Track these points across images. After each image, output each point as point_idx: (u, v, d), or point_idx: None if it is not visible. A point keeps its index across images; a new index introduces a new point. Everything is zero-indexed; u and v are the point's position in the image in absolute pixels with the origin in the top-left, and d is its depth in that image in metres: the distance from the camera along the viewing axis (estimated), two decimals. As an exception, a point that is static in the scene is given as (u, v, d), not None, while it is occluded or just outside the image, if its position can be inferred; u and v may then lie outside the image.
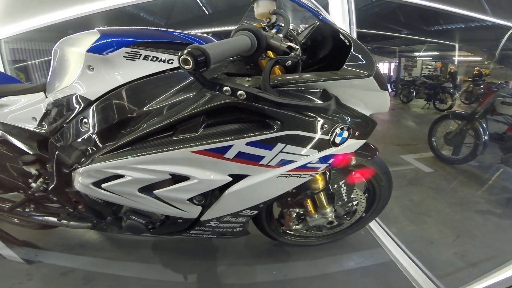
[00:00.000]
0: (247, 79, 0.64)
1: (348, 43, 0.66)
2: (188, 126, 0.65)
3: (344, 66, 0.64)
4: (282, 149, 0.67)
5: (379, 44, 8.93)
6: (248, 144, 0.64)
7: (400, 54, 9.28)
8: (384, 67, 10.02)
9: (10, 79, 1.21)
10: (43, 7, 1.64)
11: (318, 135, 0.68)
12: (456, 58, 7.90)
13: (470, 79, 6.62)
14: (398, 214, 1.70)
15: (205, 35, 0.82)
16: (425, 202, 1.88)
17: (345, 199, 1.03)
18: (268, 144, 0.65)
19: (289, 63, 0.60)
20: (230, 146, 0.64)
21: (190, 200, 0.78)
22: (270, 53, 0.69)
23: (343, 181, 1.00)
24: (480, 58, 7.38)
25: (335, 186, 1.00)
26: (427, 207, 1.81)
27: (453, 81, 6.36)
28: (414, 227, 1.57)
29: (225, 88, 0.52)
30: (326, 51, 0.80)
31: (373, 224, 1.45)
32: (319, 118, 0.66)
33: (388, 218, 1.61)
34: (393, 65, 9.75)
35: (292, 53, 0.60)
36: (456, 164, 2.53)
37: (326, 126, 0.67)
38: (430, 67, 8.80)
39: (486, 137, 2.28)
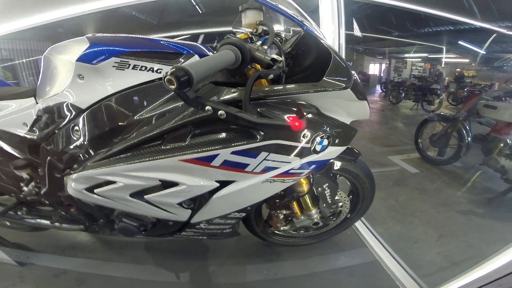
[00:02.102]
0: (232, 90, 0.66)
1: (329, 55, 0.68)
2: (176, 136, 0.66)
3: (324, 78, 0.66)
4: (266, 157, 0.69)
5: (369, 46, 9.02)
6: (233, 153, 0.66)
7: (391, 55, 9.41)
8: (375, 68, 10.15)
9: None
10: (31, 8, 1.59)
11: (299, 143, 0.70)
12: (444, 60, 8.05)
13: (453, 80, 6.76)
14: (385, 214, 1.74)
15: (194, 43, 0.82)
16: (411, 203, 1.92)
17: (329, 201, 1.05)
18: (252, 153, 0.67)
19: (271, 76, 0.62)
20: (217, 155, 0.65)
21: (180, 204, 0.80)
22: (257, 65, 0.70)
23: (327, 184, 1.02)
24: (467, 60, 7.53)
25: (319, 189, 1.02)
26: (413, 207, 1.85)
27: (440, 82, 6.48)
28: (399, 227, 1.60)
29: (207, 107, 0.53)
30: (311, 60, 0.81)
31: (359, 224, 1.48)
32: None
33: (375, 218, 1.65)
34: (383, 66, 9.88)
35: (275, 66, 0.62)
36: (441, 165, 2.59)
37: (307, 135, 0.69)
38: (419, 68, 8.96)
39: (469, 139, 2.34)
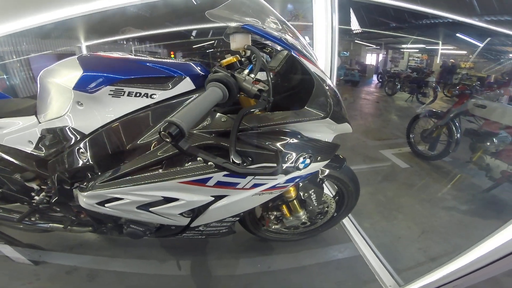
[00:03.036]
0: (223, 118, 0.72)
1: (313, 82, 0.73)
2: (174, 161, 0.74)
3: (306, 107, 0.71)
4: (254, 177, 0.76)
5: (366, 37, 8.88)
6: (225, 175, 0.73)
7: (388, 46, 9.28)
8: (372, 58, 10.03)
9: None
10: (20, 12, 1.54)
11: (284, 164, 0.76)
12: (440, 51, 7.95)
13: (444, 72, 6.69)
14: (372, 210, 1.83)
15: (187, 62, 0.83)
16: (398, 198, 2.01)
17: (316, 204, 1.14)
18: (245, 175, 0.74)
19: (257, 112, 0.66)
20: (211, 177, 0.73)
21: (181, 214, 0.88)
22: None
23: (313, 189, 1.11)
24: (465, 52, 7.45)
25: (306, 194, 1.11)
26: (400, 203, 1.94)
27: (432, 73, 6.44)
28: (385, 223, 1.70)
29: (198, 158, 0.58)
30: (297, 80, 0.86)
31: (346, 221, 1.57)
32: (283, 152, 0.74)
33: (362, 213, 1.73)
34: (381, 56, 9.76)
35: (260, 99, 0.65)
36: (430, 160, 2.67)
37: (290, 157, 0.76)
38: (416, 59, 8.86)
39: (458, 135, 2.41)
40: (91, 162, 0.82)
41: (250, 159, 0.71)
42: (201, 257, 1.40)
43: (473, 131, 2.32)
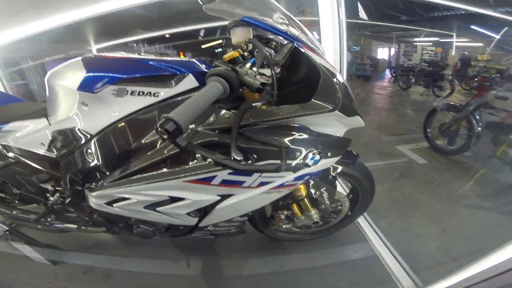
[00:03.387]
0: (226, 114, 0.70)
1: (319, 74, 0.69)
2: (179, 160, 0.73)
3: (312, 99, 0.67)
4: (261, 175, 0.73)
5: (376, 30, 8.61)
6: (230, 173, 0.71)
7: (400, 39, 8.95)
8: (384, 52, 9.71)
9: (10, 99, 1.26)
10: (29, 16, 1.57)
11: (292, 161, 0.73)
12: (455, 44, 7.57)
13: (461, 64, 6.35)
14: (389, 207, 1.76)
15: (190, 60, 0.81)
16: (416, 196, 1.92)
17: (328, 203, 1.09)
18: (247, 173, 0.72)
19: (259, 105, 0.63)
20: (215, 176, 0.71)
21: (188, 213, 0.87)
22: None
23: (325, 187, 1.06)
24: (481, 44, 7.04)
25: (317, 192, 1.06)
26: (418, 200, 1.85)
27: (447, 66, 6.16)
28: (402, 221, 1.62)
29: (197, 155, 0.56)
30: (303, 73, 0.82)
31: (361, 219, 1.51)
32: (291, 148, 0.71)
33: (378, 211, 1.66)
34: (393, 50, 9.44)
35: (263, 93, 0.62)
36: (450, 155, 2.54)
37: (298, 154, 0.72)
38: (430, 52, 8.49)
39: (479, 128, 2.27)
40: (99, 162, 0.82)
41: (255, 155, 0.68)
42: (212, 256, 1.39)
43: (496, 124, 2.19)
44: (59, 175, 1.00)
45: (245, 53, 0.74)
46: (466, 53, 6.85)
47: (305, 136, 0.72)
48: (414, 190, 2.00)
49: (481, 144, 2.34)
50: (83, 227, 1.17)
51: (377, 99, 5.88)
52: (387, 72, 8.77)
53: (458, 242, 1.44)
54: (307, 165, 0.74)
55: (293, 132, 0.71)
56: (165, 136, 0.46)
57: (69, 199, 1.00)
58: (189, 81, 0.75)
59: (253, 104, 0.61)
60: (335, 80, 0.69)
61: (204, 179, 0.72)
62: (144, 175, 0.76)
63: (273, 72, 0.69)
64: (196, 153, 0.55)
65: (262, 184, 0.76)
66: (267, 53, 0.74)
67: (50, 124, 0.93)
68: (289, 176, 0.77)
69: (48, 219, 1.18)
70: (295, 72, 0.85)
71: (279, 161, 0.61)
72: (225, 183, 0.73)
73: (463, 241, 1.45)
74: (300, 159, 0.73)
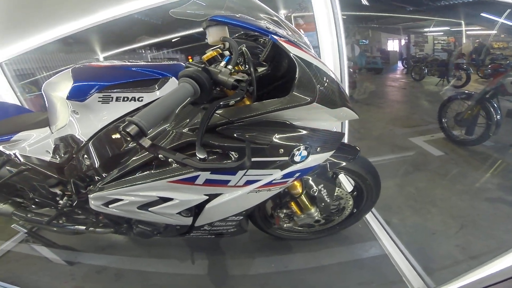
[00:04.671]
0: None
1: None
2: (162, 161, 0.70)
3: (292, 92, 0.63)
4: (245, 173, 0.70)
5: (384, 23, 8.25)
6: (212, 173, 0.68)
7: (409, 30, 8.50)
8: (394, 44, 9.26)
9: (20, 110, 1.32)
10: (39, 26, 1.61)
11: (277, 158, 0.69)
12: (467, 33, 7.02)
13: (477, 53, 5.88)
14: (401, 203, 1.64)
15: (176, 63, 0.82)
16: (431, 190, 1.78)
17: (328, 200, 1.02)
18: (231, 171, 0.68)
19: (232, 102, 0.59)
20: (198, 176, 0.69)
21: (179, 213, 0.86)
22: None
23: (322, 184, 1.00)
24: (495, 32, 6.48)
25: (315, 189, 1.00)
26: (433, 195, 1.71)
27: (462, 55, 5.75)
28: (416, 218, 1.50)
29: (160, 156, 0.55)
30: (285, 67, 0.78)
31: (370, 217, 1.42)
32: (273, 143, 0.66)
33: (391, 208, 1.56)
34: (403, 41, 8.98)
35: (238, 90, 0.59)
36: (468, 145, 2.34)
37: (281, 150, 0.68)
38: (442, 42, 7.97)
39: (498, 117, 2.08)
40: (95, 165, 0.84)
41: (233, 154, 0.65)
42: (218, 256, 1.37)
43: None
44: (65, 179, 1.03)
45: (225, 53, 0.70)
46: (478, 40, 6.36)
47: (289, 131, 0.67)
48: (429, 184, 1.86)
49: (502, 133, 2.13)
50: (91, 229, 1.19)
51: (389, 92, 5.61)
52: (399, 64, 8.40)
53: (478, 239, 1.30)
54: (294, 162, 0.70)
55: (276, 128, 0.66)
56: (128, 139, 0.46)
57: (76, 202, 1.03)
58: (172, 84, 0.75)
59: (225, 102, 0.58)
60: (312, 71, 0.64)
61: (187, 179, 0.70)
62: (133, 176, 0.77)
63: (251, 68, 0.67)
64: (159, 154, 0.53)
65: (248, 182, 0.73)
66: (245, 51, 0.71)
67: (52, 133, 0.96)
68: (277, 174, 0.73)
69: (60, 221, 1.22)
70: (277, 68, 0.81)
71: (241, 160, 0.57)
72: (209, 182, 0.71)
73: (484, 238, 1.31)
74: (285, 156, 0.68)
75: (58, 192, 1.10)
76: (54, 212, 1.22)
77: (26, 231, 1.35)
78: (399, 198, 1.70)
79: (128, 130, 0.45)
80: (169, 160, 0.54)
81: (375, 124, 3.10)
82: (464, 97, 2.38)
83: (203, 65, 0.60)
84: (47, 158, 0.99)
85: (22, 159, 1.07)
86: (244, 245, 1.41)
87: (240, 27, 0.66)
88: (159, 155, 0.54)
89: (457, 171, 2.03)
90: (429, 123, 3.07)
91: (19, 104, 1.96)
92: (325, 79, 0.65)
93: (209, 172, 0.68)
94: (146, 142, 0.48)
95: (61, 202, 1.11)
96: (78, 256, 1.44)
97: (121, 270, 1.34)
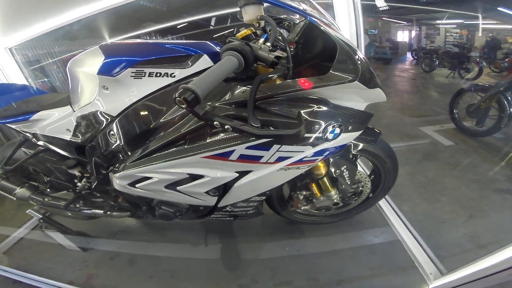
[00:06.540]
0: (242, 89, 0.71)
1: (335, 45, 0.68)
2: (196, 136, 0.75)
3: (331, 71, 0.67)
4: (278, 149, 0.74)
5: (396, 13, 8.16)
6: (247, 148, 0.72)
7: (421, 22, 8.43)
8: (404, 35, 9.21)
9: (37, 91, 1.34)
10: (45, 12, 1.62)
11: (311, 134, 0.73)
12: (482, 26, 6.96)
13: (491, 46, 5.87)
14: (412, 191, 1.70)
15: (203, 41, 0.84)
16: (441, 179, 1.84)
17: (349, 182, 1.07)
18: (265, 146, 0.73)
19: (275, 77, 0.63)
20: (233, 151, 0.72)
21: (207, 192, 0.90)
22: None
23: (345, 166, 1.04)
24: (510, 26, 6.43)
25: (338, 171, 1.04)
26: (443, 184, 1.77)
27: (475, 48, 5.75)
28: (426, 206, 1.57)
29: (215, 122, 0.58)
30: (319, 47, 0.81)
31: (383, 203, 1.48)
32: (309, 120, 0.70)
33: (401, 195, 1.61)
34: (413, 33, 8.92)
35: (279, 65, 0.63)
36: (478, 136, 2.40)
37: (317, 126, 0.72)
38: (454, 34, 7.92)
39: (511, 109, 2.13)
40: (121, 143, 0.86)
41: (271, 128, 0.69)
42: (230, 240, 1.43)
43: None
44: (85, 160, 1.06)
45: (258, 31, 0.74)
46: (491, 35, 6.34)
47: (324, 108, 0.71)
48: (439, 173, 1.92)
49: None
50: (108, 212, 1.24)
51: (398, 82, 5.62)
52: (408, 54, 8.37)
53: (487, 229, 1.37)
54: (327, 139, 0.74)
55: (312, 105, 0.70)
56: (183, 106, 0.48)
57: (95, 184, 1.06)
58: (204, 61, 0.77)
59: (269, 76, 0.62)
60: (352, 50, 0.68)
61: (222, 154, 0.73)
62: (163, 152, 0.79)
63: (287, 46, 0.70)
64: (214, 121, 0.57)
65: (280, 159, 0.77)
66: (281, 31, 0.74)
67: (74, 111, 0.99)
68: (308, 151, 0.77)
69: (77, 205, 1.26)
70: (310, 49, 0.84)
71: (298, 128, 0.60)
72: (242, 158, 0.74)
73: (492, 228, 1.38)
74: (320, 132, 0.73)
75: (77, 173, 1.13)
76: (70, 196, 1.26)
77: (41, 216, 1.39)
78: (410, 186, 1.76)
79: (185, 96, 0.47)
80: (225, 127, 0.56)
81: (384, 113, 3.13)
82: (478, 89, 2.43)
83: (244, 41, 0.63)
84: (67, 137, 1.02)
85: (40, 140, 1.10)
86: (256, 229, 1.46)
87: (279, 7, 0.69)
88: (214, 123, 0.57)
89: (467, 161, 2.09)
90: (439, 114, 3.12)
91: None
92: (364, 60, 0.69)
93: (245, 147, 0.71)
94: (200, 109, 0.51)
95: (79, 184, 1.14)
96: (91, 242, 1.48)
97: (134, 255, 1.39)
